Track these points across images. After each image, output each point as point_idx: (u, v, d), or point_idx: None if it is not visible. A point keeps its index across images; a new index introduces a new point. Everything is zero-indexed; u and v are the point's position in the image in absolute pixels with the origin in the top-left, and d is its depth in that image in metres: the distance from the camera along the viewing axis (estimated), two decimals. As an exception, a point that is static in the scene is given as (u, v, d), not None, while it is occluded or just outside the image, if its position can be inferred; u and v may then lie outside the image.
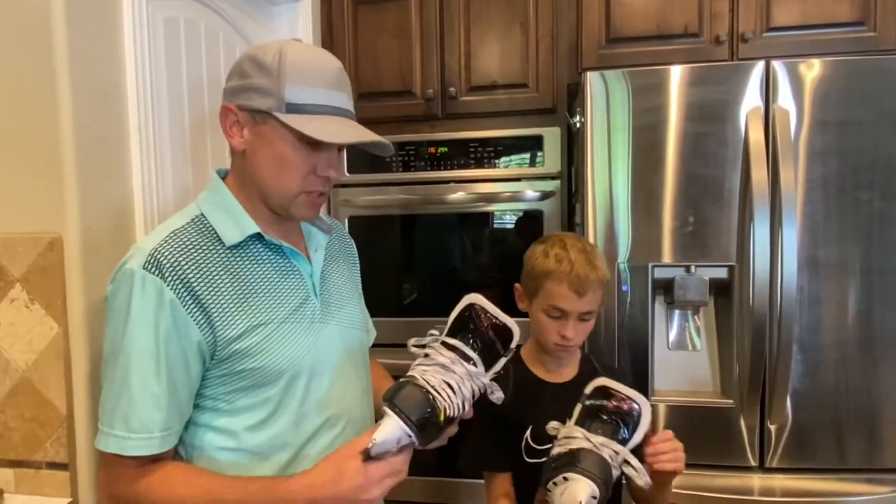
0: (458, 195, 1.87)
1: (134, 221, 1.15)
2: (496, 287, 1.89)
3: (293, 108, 0.83)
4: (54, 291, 1.00)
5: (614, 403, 0.89)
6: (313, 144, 0.85)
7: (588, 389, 0.93)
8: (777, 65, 1.46)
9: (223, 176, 0.95)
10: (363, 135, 0.88)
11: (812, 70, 1.45)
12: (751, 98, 1.46)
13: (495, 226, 1.90)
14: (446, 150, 1.89)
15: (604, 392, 0.91)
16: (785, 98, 1.45)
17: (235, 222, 0.89)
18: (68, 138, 1.00)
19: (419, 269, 1.94)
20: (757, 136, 1.44)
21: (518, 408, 1.13)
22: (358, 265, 1.17)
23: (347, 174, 1.94)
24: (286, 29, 1.77)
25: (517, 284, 1.22)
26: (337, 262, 1.06)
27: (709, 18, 1.73)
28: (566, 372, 1.19)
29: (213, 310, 0.83)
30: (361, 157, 1.93)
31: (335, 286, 1.01)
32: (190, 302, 0.81)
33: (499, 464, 1.14)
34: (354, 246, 1.18)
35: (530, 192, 1.84)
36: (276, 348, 0.86)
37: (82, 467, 1.03)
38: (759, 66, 1.46)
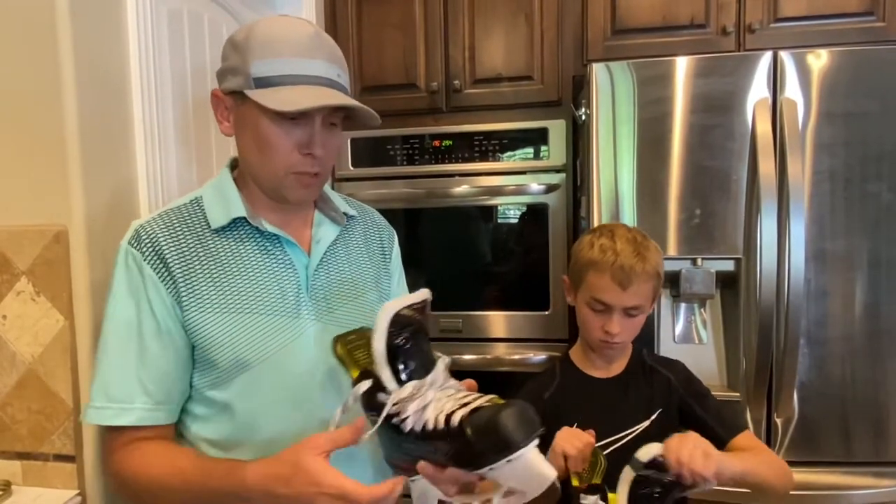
0: (462, 189, 1.86)
1: (139, 214, 1.15)
2: (500, 281, 1.89)
3: (261, 83, 0.79)
4: (60, 284, 1.00)
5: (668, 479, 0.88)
6: (292, 119, 0.80)
7: (643, 457, 0.90)
8: (785, 55, 1.44)
9: (236, 165, 0.93)
10: (331, 98, 0.79)
11: (820, 61, 1.43)
12: (758, 89, 1.45)
13: (500, 219, 1.89)
14: (451, 143, 1.88)
15: (659, 465, 0.89)
16: (793, 89, 1.44)
17: (224, 206, 0.86)
18: (73, 131, 1.00)
19: (423, 263, 1.93)
20: (764, 128, 1.43)
21: (563, 404, 1.11)
22: (392, 257, 1.06)
23: (352, 168, 1.94)
24: (290, 22, 1.76)
25: (565, 276, 1.19)
26: (352, 254, 0.97)
27: (715, 9, 1.72)
28: (615, 367, 1.15)
29: (183, 289, 0.81)
30: (365, 151, 1.93)
31: (338, 281, 0.92)
32: (167, 277, 0.81)
33: None
34: (392, 236, 1.08)
35: (535, 185, 1.83)
36: (245, 339, 0.82)
37: (89, 459, 1.03)
38: (767, 57, 1.45)
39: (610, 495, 0.93)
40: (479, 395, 0.68)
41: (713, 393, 1.42)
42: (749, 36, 1.70)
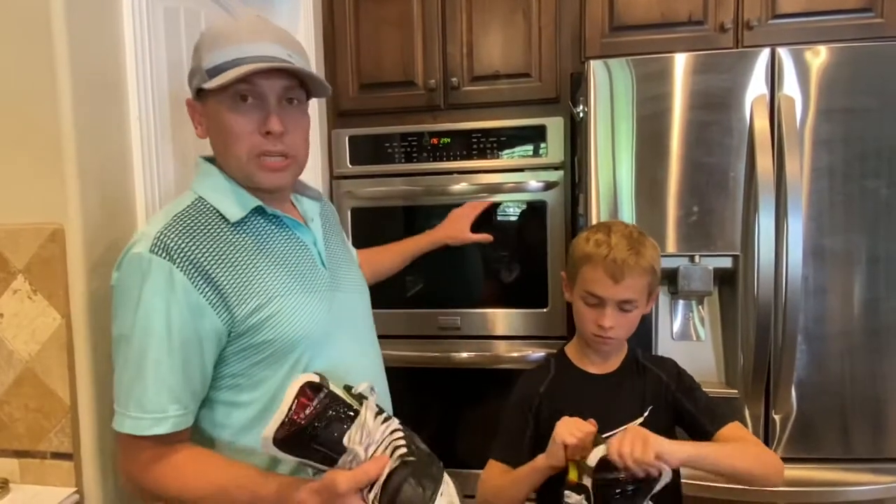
0: (461, 186, 1.86)
1: (135, 212, 1.15)
2: (498, 278, 1.89)
3: (213, 72, 0.83)
4: (56, 282, 1.01)
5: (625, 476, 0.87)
6: (248, 103, 0.85)
7: (591, 461, 0.89)
8: (782, 52, 1.44)
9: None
10: (267, 63, 0.82)
11: (818, 57, 1.43)
12: (756, 86, 1.45)
13: (498, 217, 1.89)
14: (449, 140, 1.88)
15: (608, 465, 0.88)
16: (790, 86, 1.44)
17: (235, 199, 0.88)
18: (69, 129, 1.00)
19: (422, 260, 1.93)
20: (762, 125, 1.43)
21: (556, 399, 1.11)
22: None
23: (350, 165, 1.94)
24: (287, 19, 1.75)
25: (563, 272, 1.19)
26: (331, 227, 1.07)
27: (713, 6, 1.71)
28: (609, 364, 1.15)
29: (226, 287, 0.83)
30: (364, 149, 1.93)
31: (336, 252, 1.02)
32: (202, 283, 0.81)
33: (524, 460, 1.07)
34: (335, 209, 1.21)
35: (534, 182, 1.83)
36: (291, 319, 0.86)
37: (87, 457, 1.04)
38: (765, 54, 1.45)
39: None
40: (392, 442, 0.74)
41: (712, 390, 1.42)
42: (747, 32, 1.70)
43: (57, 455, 1.04)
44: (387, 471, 0.71)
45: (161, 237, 0.81)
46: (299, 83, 0.89)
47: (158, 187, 1.19)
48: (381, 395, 0.95)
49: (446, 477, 0.76)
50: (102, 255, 1.05)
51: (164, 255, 0.80)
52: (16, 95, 1.01)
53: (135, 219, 1.15)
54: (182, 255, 0.81)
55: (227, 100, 0.84)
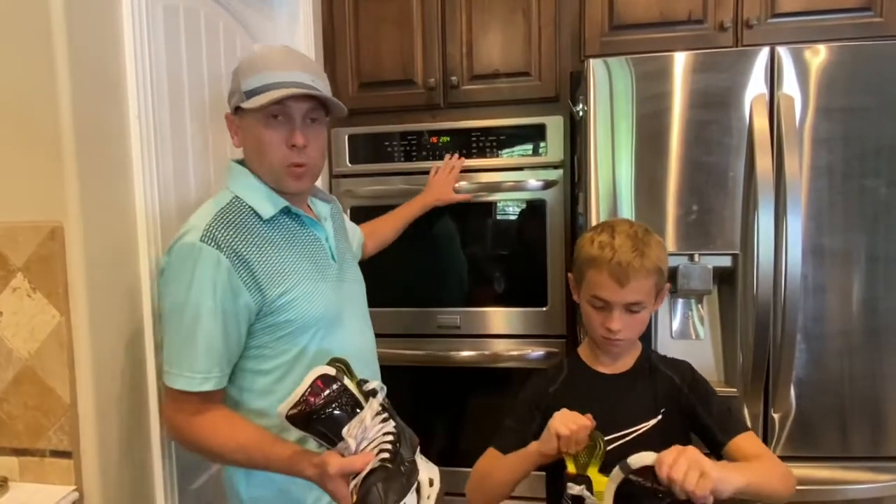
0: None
1: (135, 210, 1.15)
2: (497, 277, 1.89)
3: (250, 94, 0.99)
4: (56, 280, 1.01)
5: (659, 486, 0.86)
6: (276, 119, 1.00)
7: (634, 464, 0.87)
8: (782, 51, 1.44)
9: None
10: (295, 91, 0.97)
11: (817, 56, 1.43)
12: (755, 85, 1.45)
13: (498, 216, 1.89)
14: (448, 139, 1.88)
15: (649, 472, 0.86)
16: (790, 85, 1.44)
17: (267, 199, 1.04)
18: (68, 127, 1.00)
19: (421, 258, 1.93)
20: (761, 124, 1.43)
21: (567, 398, 1.10)
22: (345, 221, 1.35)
23: (349, 164, 1.94)
24: (286, 18, 1.76)
25: (569, 274, 1.19)
26: (338, 225, 1.23)
27: (713, 5, 1.71)
28: (621, 364, 1.15)
29: (260, 273, 0.99)
30: (363, 147, 1.93)
31: (343, 248, 1.18)
32: (241, 269, 0.97)
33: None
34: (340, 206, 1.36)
35: (533, 181, 1.83)
36: (310, 302, 1.03)
37: (86, 455, 1.04)
38: (764, 53, 1.45)
39: (597, 479, 0.93)
40: (381, 444, 0.86)
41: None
42: (746, 31, 1.70)
43: (56, 453, 1.04)
44: (369, 467, 0.83)
45: (210, 229, 0.97)
46: (321, 104, 1.04)
47: (158, 185, 1.19)
48: (373, 371, 1.17)
49: (422, 489, 0.87)
50: (102, 252, 1.05)
51: (212, 244, 0.96)
52: (15, 93, 1.01)
53: (134, 217, 1.14)
54: (227, 244, 0.97)
55: (261, 117, 1.00)
